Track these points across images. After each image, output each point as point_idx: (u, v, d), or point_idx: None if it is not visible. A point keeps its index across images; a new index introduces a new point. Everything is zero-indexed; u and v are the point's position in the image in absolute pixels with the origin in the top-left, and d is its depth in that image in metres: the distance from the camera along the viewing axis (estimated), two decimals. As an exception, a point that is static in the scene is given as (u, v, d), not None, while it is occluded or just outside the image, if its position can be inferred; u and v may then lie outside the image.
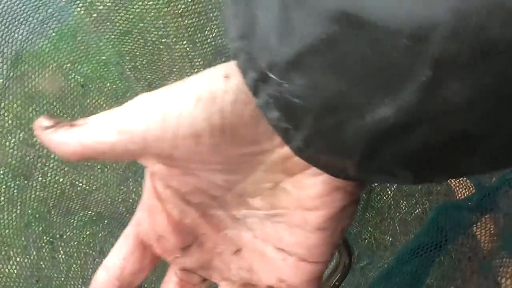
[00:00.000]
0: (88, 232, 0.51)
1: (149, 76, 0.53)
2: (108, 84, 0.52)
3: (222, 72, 0.18)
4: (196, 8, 0.49)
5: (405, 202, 0.59)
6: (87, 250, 0.51)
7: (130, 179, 0.53)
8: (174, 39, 0.51)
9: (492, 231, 0.44)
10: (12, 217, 0.45)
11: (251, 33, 0.15)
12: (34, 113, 0.47)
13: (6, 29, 0.43)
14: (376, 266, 0.55)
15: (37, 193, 0.47)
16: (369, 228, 0.58)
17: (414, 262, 0.41)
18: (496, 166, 0.15)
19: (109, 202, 0.51)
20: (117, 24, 0.49)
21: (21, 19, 0.43)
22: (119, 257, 0.22)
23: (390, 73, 0.13)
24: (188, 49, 0.52)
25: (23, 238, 0.46)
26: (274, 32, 0.15)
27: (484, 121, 0.13)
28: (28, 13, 0.44)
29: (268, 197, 0.20)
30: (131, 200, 0.52)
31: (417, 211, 0.59)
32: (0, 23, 0.42)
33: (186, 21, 0.50)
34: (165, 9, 0.49)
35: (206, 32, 0.51)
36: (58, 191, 0.48)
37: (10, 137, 0.46)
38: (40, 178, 0.47)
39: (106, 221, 0.52)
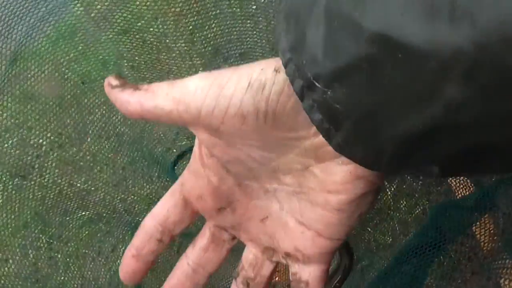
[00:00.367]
0: (86, 232, 0.50)
1: (147, 75, 0.53)
2: (107, 83, 0.52)
3: (273, 66, 0.20)
4: (195, 7, 0.49)
5: (404, 202, 0.59)
6: (86, 251, 0.50)
7: (129, 179, 0.53)
8: (173, 38, 0.51)
9: (491, 231, 0.43)
10: (10, 217, 0.44)
11: (300, 48, 0.18)
12: (31, 113, 0.47)
13: (6, 25, 0.42)
14: (376, 267, 0.54)
15: (35, 193, 0.46)
16: (369, 229, 0.58)
17: (413, 262, 0.41)
18: None
19: (108, 202, 0.51)
20: (116, 23, 0.49)
21: (21, 15, 0.43)
22: (164, 208, 0.26)
23: (419, 91, 0.15)
24: (187, 48, 0.52)
25: (21, 239, 0.45)
26: (320, 49, 0.17)
27: (501, 134, 0.15)
28: (28, 8, 0.44)
29: (297, 176, 0.23)
30: (129, 200, 0.52)
31: (417, 211, 0.59)
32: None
33: (185, 20, 0.50)
34: (164, 8, 0.48)
35: (205, 31, 0.51)
36: (56, 191, 0.47)
37: (7, 136, 0.46)
38: (38, 178, 0.47)
39: (104, 221, 0.51)
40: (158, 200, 0.27)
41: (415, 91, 0.15)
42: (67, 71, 0.49)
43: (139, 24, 0.50)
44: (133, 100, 0.22)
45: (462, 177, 0.51)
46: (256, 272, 0.27)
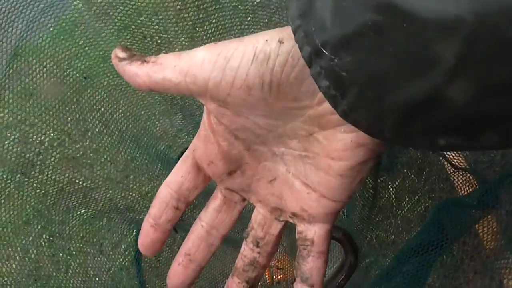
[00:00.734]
0: (88, 230, 0.50)
1: (148, 71, 0.53)
2: (107, 79, 0.52)
3: (277, 37, 0.21)
4: (196, 2, 0.48)
5: (407, 199, 0.58)
6: (87, 248, 0.50)
7: (131, 176, 0.53)
8: (173, 34, 0.50)
9: (495, 229, 0.43)
10: (11, 214, 0.44)
11: (309, 15, 0.18)
12: (32, 109, 0.46)
13: (6, 18, 0.42)
14: (380, 264, 0.54)
15: (37, 190, 0.46)
16: (371, 227, 0.58)
17: (415, 262, 0.40)
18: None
19: (109, 199, 0.51)
20: (117, 18, 0.49)
21: (21, 8, 0.43)
22: (178, 175, 0.27)
23: (422, 58, 0.16)
24: (187, 44, 0.51)
25: (22, 236, 0.45)
26: (328, 16, 0.17)
27: (498, 104, 0.16)
28: (28, 1, 0.43)
29: (303, 141, 0.24)
30: (131, 198, 0.52)
31: (419, 208, 0.58)
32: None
33: (186, 15, 0.49)
34: (164, 4, 0.48)
35: (206, 26, 0.50)
36: (57, 188, 0.47)
37: (8, 133, 0.45)
38: (39, 175, 0.47)
39: (105, 219, 0.51)
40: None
41: (416, 59, 0.16)
42: (67, 66, 0.48)
43: (140, 19, 0.49)
44: (141, 72, 0.22)
45: (467, 174, 0.50)
46: (265, 231, 0.28)
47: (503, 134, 0.17)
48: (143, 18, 0.49)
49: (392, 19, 0.16)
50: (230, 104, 0.22)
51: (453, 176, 0.51)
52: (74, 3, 0.47)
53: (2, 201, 0.44)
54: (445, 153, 0.52)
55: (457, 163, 0.51)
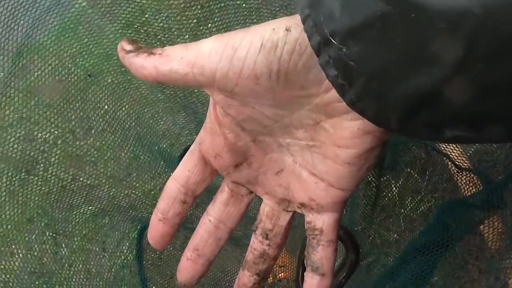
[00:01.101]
0: (91, 227, 0.51)
1: (152, 70, 0.52)
2: (111, 77, 0.52)
3: (284, 25, 0.21)
4: (199, 0, 0.48)
5: (410, 198, 0.58)
6: (90, 246, 0.50)
7: (133, 174, 0.53)
8: (177, 32, 0.50)
9: (499, 229, 0.43)
10: (15, 211, 0.44)
11: (318, 4, 0.18)
12: (36, 107, 0.46)
13: (12, 16, 0.42)
14: (382, 263, 0.54)
15: (40, 187, 0.46)
16: (374, 225, 0.58)
17: (420, 261, 0.40)
18: None
19: (112, 197, 0.51)
20: (121, 16, 0.49)
21: (27, 5, 0.43)
22: (185, 169, 0.27)
23: (429, 49, 0.16)
24: (191, 41, 0.51)
25: (26, 233, 0.46)
26: (337, 6, 0.18)
27: (500, 99, 0.16)
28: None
29: (309, 130, 0.24)
30: (134, 195, 0.52)
31: (422, 207, 0.58)
32: (1, 14, 0.41)
33: (189, 13, 0.49)
34: (168, 2, 0.48)
35: (209, 24, 0.50)
36: (60, 186, 0.47)
37: (12, 131, 0.46)
38: (42, 173, 0.47)
39: (108, 216, 0.51)
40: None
41: (424, 49, 0.16)
42: (71, 64, 0.48)
43: (144, 17, 0.49)
44: (148, 64, 0.22)
45: (470, 173, 0.50)
46: (274, 223, 0.28)
47: (504, 129, 0.17)
48: (147, 16, 0.49)
49: (401, 11, 0.16)
50: (237, 94, 0.22)
51: (456, 176, 0.51)
52: (79, 1, 0.47)
53: (6, 199, 0.44)
54: (448, 153, 0.52)
55: (461, 164, 0.51)
